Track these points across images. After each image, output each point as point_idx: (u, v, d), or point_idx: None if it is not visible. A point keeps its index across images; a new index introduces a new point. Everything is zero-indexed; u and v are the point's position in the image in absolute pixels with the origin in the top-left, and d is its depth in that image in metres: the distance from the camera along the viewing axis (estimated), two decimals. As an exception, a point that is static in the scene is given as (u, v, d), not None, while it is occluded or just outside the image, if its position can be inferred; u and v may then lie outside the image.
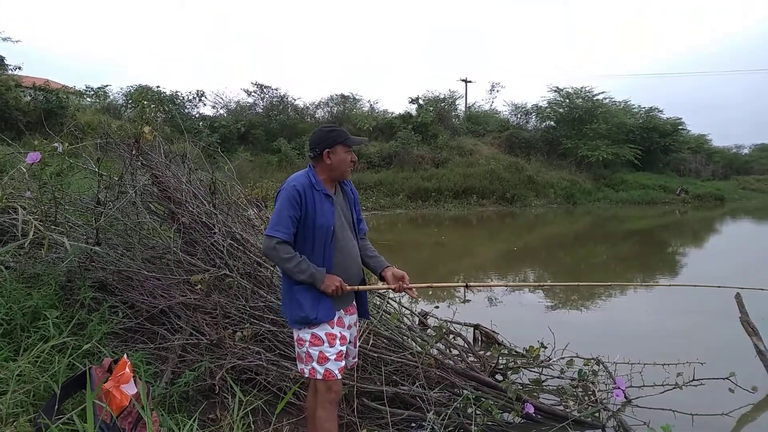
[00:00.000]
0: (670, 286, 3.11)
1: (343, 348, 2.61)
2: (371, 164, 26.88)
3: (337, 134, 2.61)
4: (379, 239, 14.79)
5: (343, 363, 2.60)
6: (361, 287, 2.71)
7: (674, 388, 3.65)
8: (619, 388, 3.33)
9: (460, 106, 35.33)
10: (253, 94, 31.63)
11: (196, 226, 3.94)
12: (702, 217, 23.00)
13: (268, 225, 2.58)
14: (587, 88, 32.24)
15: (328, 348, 2.54)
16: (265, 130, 29.51)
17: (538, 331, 4.43)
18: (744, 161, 48.53)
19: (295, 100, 32.12)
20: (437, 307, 6.16)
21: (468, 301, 7.61)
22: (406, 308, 4.34)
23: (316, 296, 2.53)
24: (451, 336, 4.37)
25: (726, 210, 26.27)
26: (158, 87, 29.34)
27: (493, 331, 4.94)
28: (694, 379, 3.65)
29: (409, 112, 31.23)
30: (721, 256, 13.12)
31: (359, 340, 3.50)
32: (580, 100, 31.73)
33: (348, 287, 2.58)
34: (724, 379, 3.62)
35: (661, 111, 34.73)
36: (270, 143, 28.36)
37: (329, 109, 32.51)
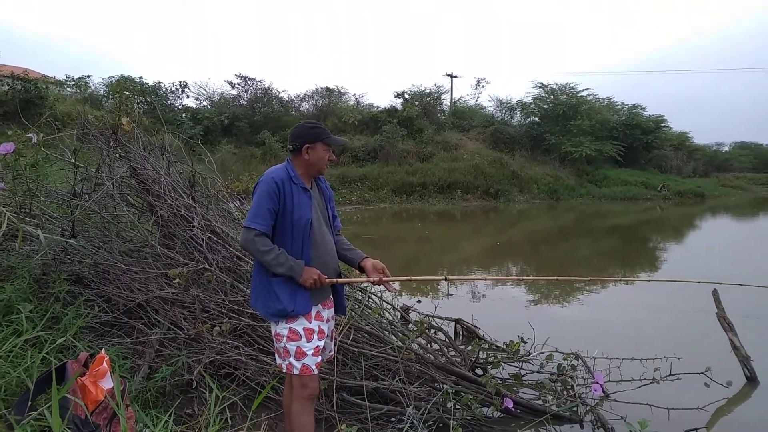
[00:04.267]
0: (650, 281, 3.13)
1: (321, 343, 2.59)
2: (356, 158, 26.85)
3: (318, 131, 2.60)
4: (363, 233, 14.82)
5: (319, 358, 2.59)
6: (340, 280, 2.70)
7: (651, 382, 3.68)
8: (597, 382, 3.35)
9: (446, 101, 35.48)
10: (237, 86, 31.39)
11: (174, 219, 3.89)
12: (683, 214, 23.31)
13: (246, 217, 2.55)
14: (571, 85, 32.49)
15: (305, 343, 2.53)
16: (249, 123, 29.31)
17: (519, 326, 4.46)
18: (724, 159, 49.31)
19: (279, 92, 31.94)
20: (419, 301, 6.19)
21: (451, 295, 7.64)
22: (387, 303, 4.33)
23: (294, 289, 2.51)
24: (432, 331, 4.38)
25: (706, 207, 26.64)
26: (140, 78, 28.99)
27: (474, 326, 4.95)
28: (670, 374, 3.69)
29: (394, 107, 31.23)
30: (701, 252, 13.34)
31: (340, 334, 3.50)
32: (564, 96, 31.90)
33: (327, 280, 2.57)
34: (700, 374, 3.67)
35: (643, 108, 35.11)
36: (254, 136, 28.19)
37: (314, 102, 32.39)
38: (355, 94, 33.38)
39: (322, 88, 32.34)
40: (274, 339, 2.62)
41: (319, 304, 2.62)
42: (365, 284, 3.62)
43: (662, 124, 35.39)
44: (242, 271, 3.77)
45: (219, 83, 39.46)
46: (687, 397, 3.68)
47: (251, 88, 31.31)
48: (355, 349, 3.48)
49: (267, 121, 29.69)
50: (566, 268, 10.75)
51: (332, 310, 2.77)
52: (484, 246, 13.79)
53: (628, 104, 35.31)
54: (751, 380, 4.05)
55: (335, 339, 2.98)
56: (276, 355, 2.66)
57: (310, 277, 2.49)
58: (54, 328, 3.27)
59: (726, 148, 54.86)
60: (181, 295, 3.60)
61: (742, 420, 3.75)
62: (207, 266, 3.63)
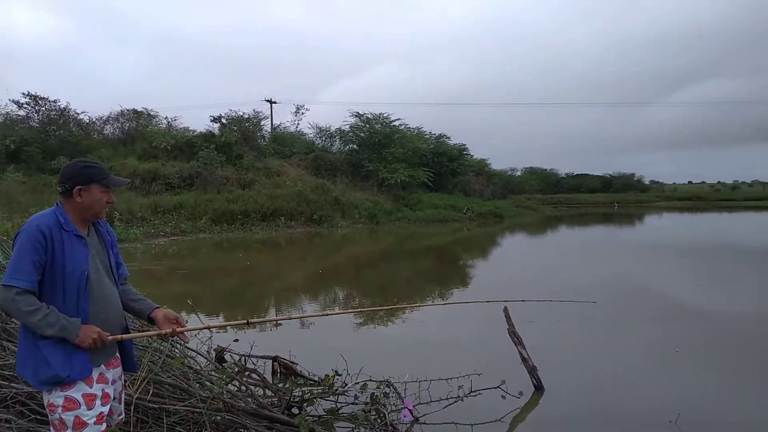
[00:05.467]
0: (445, 304, 3.40)
1: (106, 408, 2.29)
2: (170, 185, 25.17)
3: (93, 171, 2.31)
4: (178, 266, 13.84)
5: (104, 426, 2.28)
6: (125, 336, 2.42)
7: (457, 400, 3.92)
8: (406, 407, 3.47)
9: (266, 126, 35.17)
10: (25, 106, 27.66)
11: None
12: (486, 233, 25.87)
13: (5, 273, 2.17)
14: (384, 115, 34.48)
15: (85, 411, 2.21)
16: (41, 148, 25.98)
17: (345, 352, 4.47)
18: (517, 182, 56.37)
19: (78, 114, 28.90)
20: (236, 340, 5.89)
21: (279, 325, 7.43)
22: (193, 350, 4.03)
23: (68, 351, 2.19)
24: (247, 372, 4.17)
25: (505, 226, 29.95)
26: None
27: (292, 362, 4.84)
28: (472, 391, 3.97)
29: (211, 131, 30.01)
30: (502, 267, 15.04)
31: (136, 391, 3.15)
32: (379, 125, 33.75)
33: (109, 337, 2.29)
34: (496, 387, 4.00)
35: (448, 138, 38.70)
36: (48, 162, 25.03)
37: (119, 125, 29.81)
38: (167, 117, 31.51)
39: (129, 110, 29.96)
40: (48, 410, 2.25)
41: (102, 365, 2.32)
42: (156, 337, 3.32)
43: (465, 152, 39.37)
44: (12, 329, 3.22)
45: (2, 103, 34.20)
46: (488, 410, 3.99)
47: (43, 108, 27.86)
48: (155, 406, 3.16)
49: (63, 145, 26.56)
50: (389, 288, 11.22)
51: (119, 369, 2.46)
52: (310, 272, 13.78)
53: (435, 134, 38.63)
54: (539, 388, 4.56)
55: (125, 399, 2.67)
56: (51, 428, 2.28)
57: (88, 336, 2.19)
58: None
59: (518, 173, 62.98)
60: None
61: (533, 425, 4.18)
62: (-36, 327, 3.03)
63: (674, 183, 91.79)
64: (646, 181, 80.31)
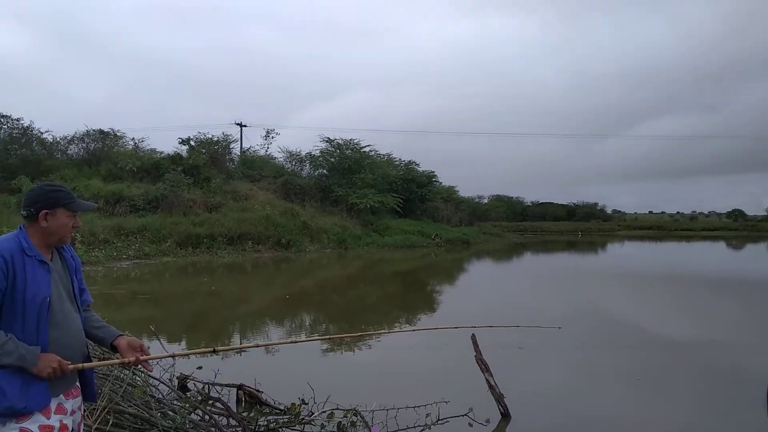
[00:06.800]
0: (413, 330, 3.42)
1: (63, 440, 2.21)
2: (135, 207, 24.65)
3: (60, 195, 2.26)
4: (141, 291, 13.51)
5: (61, 459, 2.19)
6: (86, 365, 2.34)
7: (424, 429, 3.92)
8: (374, 437, 3.44)
9: (235, 149, 34.99)
10: (-16, 124, 26.91)
11: None
12: (453, 259, 26.08)
13: None
14: (355, 140, 34.79)
15: (42, 444, 2.12)
16: (0, 167, 25.20)
17: (311, 379, 4.42)
18: (484, 209, 57.24)
19: (42, 133, 28.28)
20: (200, 367, 5.76)
21: (245, 352, 7.29)
22: (154, 378, 3.93)
23: (26, 381, 2.10)
24: (211, 401, 4.08)
25: (471, 252, 30.28)
26: None
27: (257, 390, 4.74)
28: (440, 419, 3.97)
29: (179, 153, 29.68)
30: (470, 293, 15.14)
31: (96, 421, 3.05)
32: (349, 151, 34.03)
33: (70, 366, 2.21)
34: (463, 415, 4.01)
35: (417, 164, 39.12)
36: (7, 181, 24.29)
37: (84, 145, 29.19)
38: (134, 138, 31.02)
39: (94, 130, 29.37)
40: (1, 443, 2.15)
41: (61, 395, 2.24)
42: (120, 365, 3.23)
43: (433, 179, 39.88)
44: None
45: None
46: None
47: (5, 126, 27.18)
48: (116, 437, 3.06)
49: (25, 164, 25.86)
50: (356, 315, 11.16)
51: (79, 399, 2.38)
52: (277, 297, 13.62)
53: (404, 160, 39.06)
54: (505, 416, 4.57)
55: (84, 431, 2.57)
56: (4, 462, 2.18)
57: (48, 365, 2.11)
58: None
59: (485, 200, 63.95)
60: None
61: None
62: None
63: (635, 213, 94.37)
64: (609, 211, 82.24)
